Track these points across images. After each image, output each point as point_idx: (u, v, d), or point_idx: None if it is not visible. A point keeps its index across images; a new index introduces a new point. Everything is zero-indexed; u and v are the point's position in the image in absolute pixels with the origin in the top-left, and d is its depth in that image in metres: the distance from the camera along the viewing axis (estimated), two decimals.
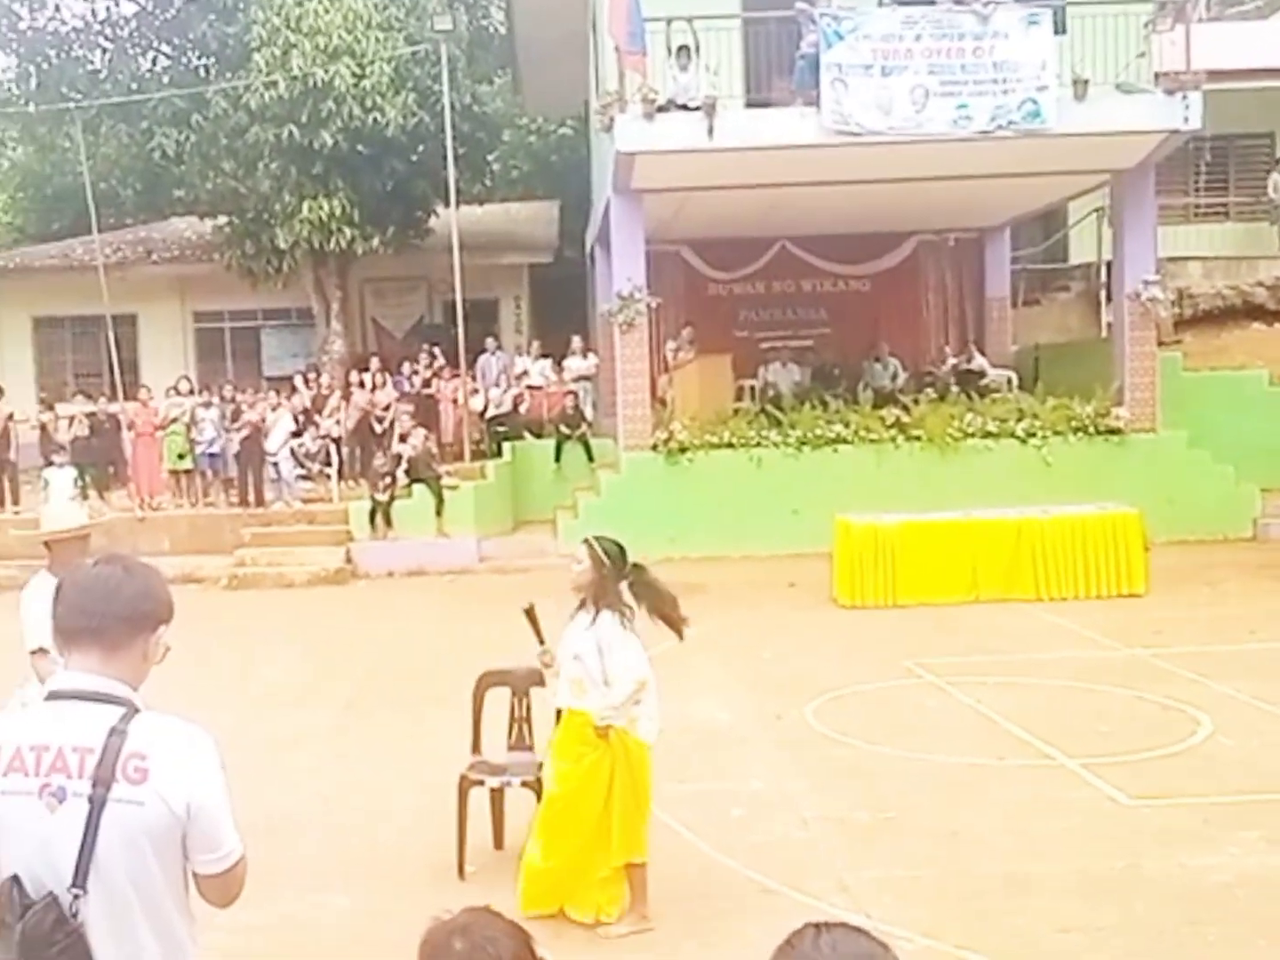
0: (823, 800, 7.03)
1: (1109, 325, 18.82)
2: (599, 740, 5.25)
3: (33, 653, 5.37)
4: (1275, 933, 5.24)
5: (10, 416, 17.96)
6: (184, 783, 2.43)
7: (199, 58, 21.61)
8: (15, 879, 2.40)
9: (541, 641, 5.67)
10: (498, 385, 19.34)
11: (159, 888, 2.46)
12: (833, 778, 7.41)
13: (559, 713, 5.52)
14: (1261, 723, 8.29)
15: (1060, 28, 15.38)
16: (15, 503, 17.59)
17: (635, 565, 5.34)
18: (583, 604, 5.38)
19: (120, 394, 18.90)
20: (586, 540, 5.34)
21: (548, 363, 19.81)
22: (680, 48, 15.25)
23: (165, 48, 21.82)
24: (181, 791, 2.43)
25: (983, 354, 19.70)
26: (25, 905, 2.38)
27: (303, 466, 17.77)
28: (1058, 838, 6.34)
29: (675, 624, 5.34)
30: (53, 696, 2.52)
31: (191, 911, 2.56)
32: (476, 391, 19.19)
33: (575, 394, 18.73)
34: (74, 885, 2.40)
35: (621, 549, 5.32)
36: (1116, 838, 6.31)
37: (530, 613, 5.70)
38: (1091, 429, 16.34)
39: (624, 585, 5.32)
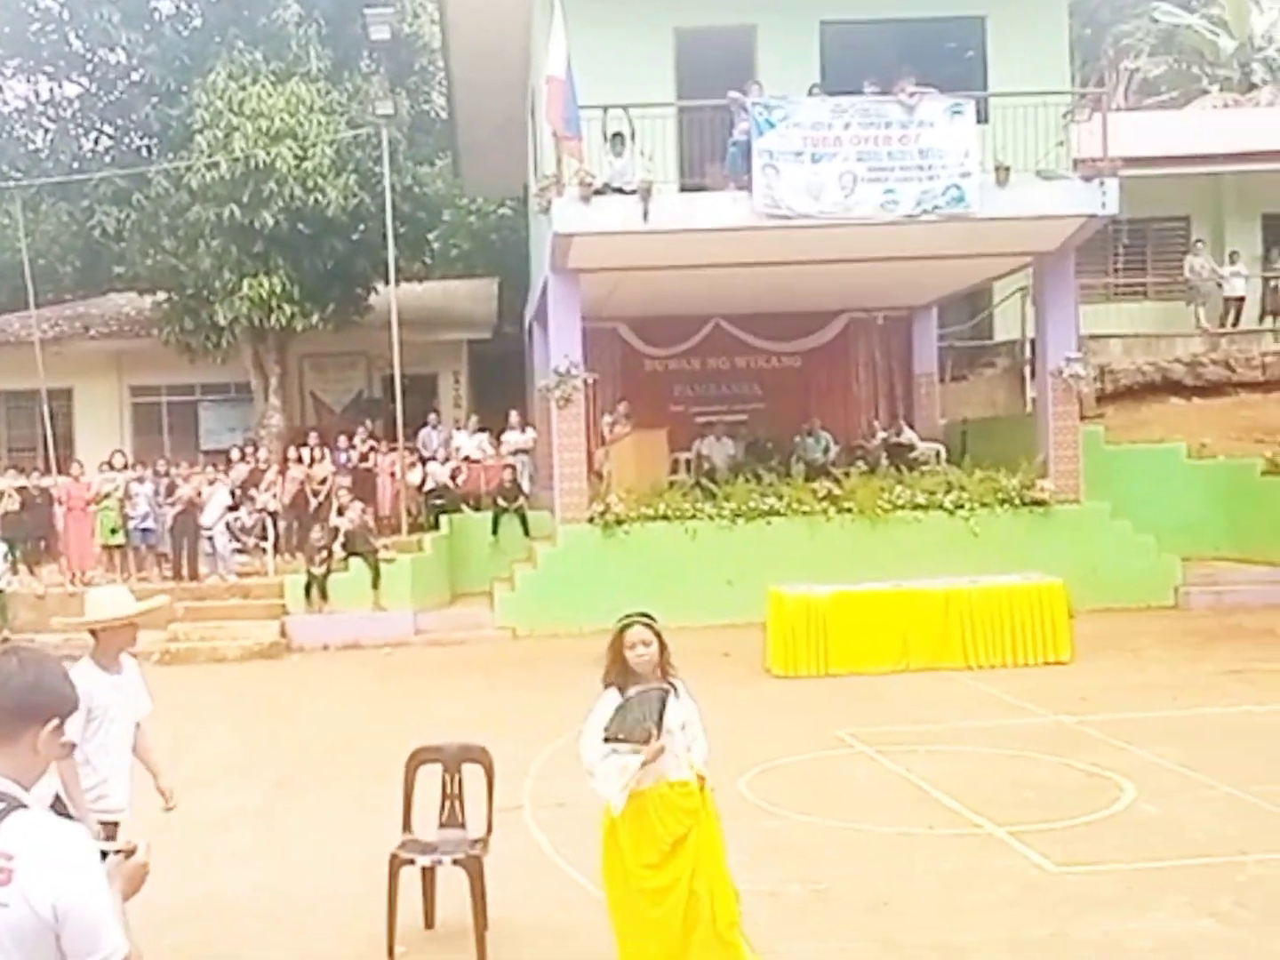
0: (755, 873, 6.88)
1: (1033, 400, 19.29)
2: (701, 798, 5.13)
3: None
4: None
5: None
6: (50, 885, 2.36)
7: (141, 138, 21.73)
8: None
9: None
10: (436, 459, 19.45)
11: None
12: (765, 850, 7.34)
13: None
14: (1184, 789, 8.37)
15: (983, 117, 15.92)
16: None
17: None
18: (619, 681, 5.14)
19: (54, 468, 18.80)
20: (644, 622, 5.13)
21: (484, 436, 19.98)
22: (615, 134, 15.60)
23: (108, 128, 21.94)
24: (47, 894, 2.35)
25: (912, 428, 20.09)
26: None
27: (238, 540, 17.72)
28: (986, 906, 6.38)
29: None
30: None
31: None
32: (414, 465, 19.29)
33: (513, 468, 18.87)
34: None
35: (655, 619, 5.25)
36: (1043, 905, 6.36)
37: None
38: (1017, 500, 16.64)
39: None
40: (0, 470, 18.62)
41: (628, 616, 5.21)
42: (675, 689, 5.13)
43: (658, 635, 5.14)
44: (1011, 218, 15.54)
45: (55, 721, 2.54)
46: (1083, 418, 17.82)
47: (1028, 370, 20.58)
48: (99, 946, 2.39)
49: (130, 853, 2.60)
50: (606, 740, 5.00)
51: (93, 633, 5.42)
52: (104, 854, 2.56)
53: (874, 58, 16.38)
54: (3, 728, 2.48)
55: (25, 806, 2.45)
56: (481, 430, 20.20)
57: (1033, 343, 19.03)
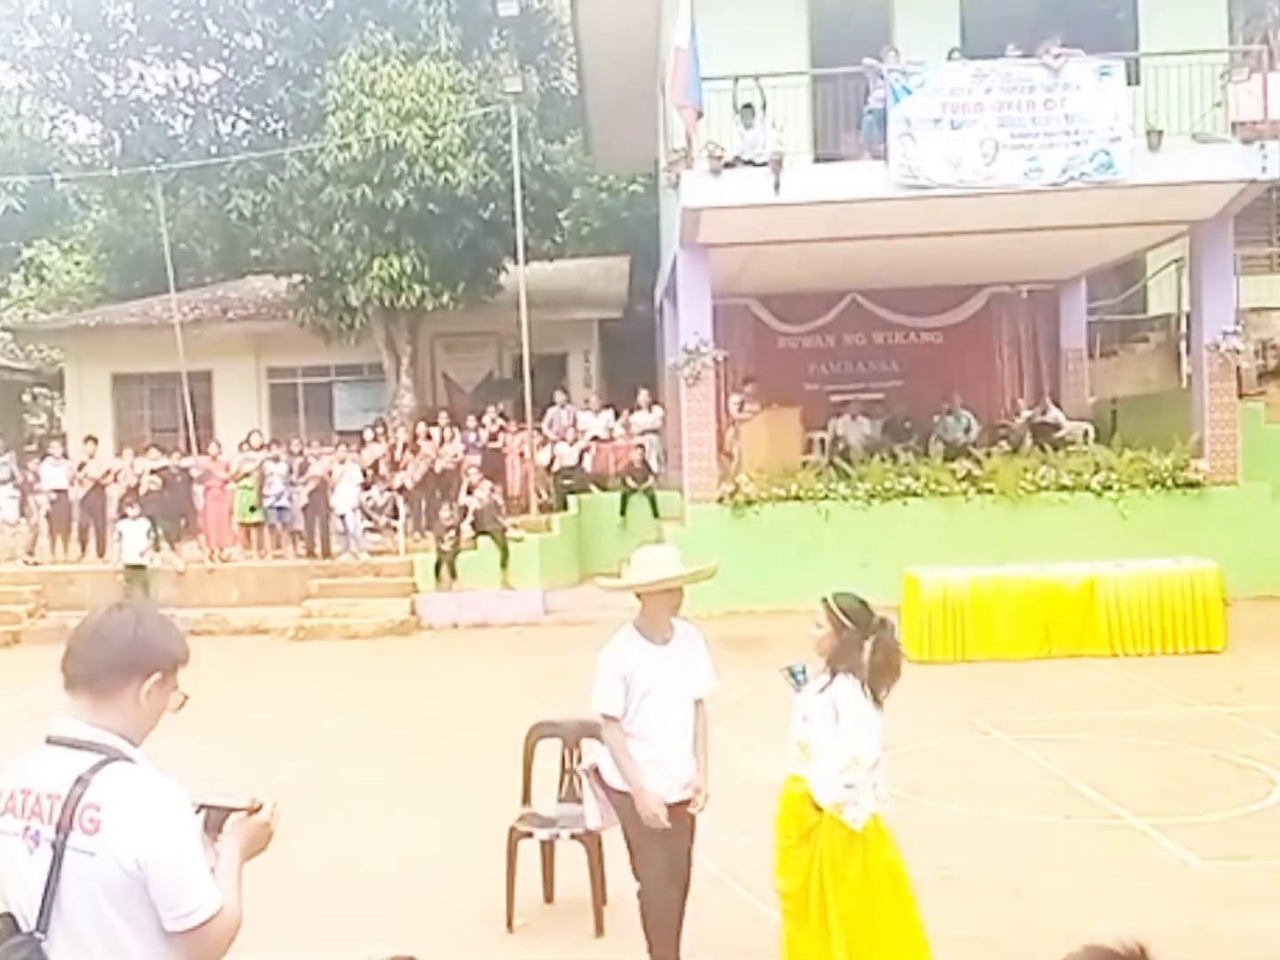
0: None
1: (1189, 377, 18.46)
2: (815, 815, 4.78)
3: (604, 718, 5.02)
4: None
5: (92, 470, 18.31)
6: (134, 837, 2.41)
7: (276, 121, 22.11)
8: (9, 916, 2.49)
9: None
10: (564, 439, 19.39)
11: (125, 938, 2.44)
12: (894, 834, 7.21)
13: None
14: None
15: (1134, 78, 15.29)
16: (100, 555, 17.89)
17: (881, 621, 4.80)
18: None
19: (195, 448, 19.22)
20: (825, 600, 4.81)
21: (609, 415, 19.88)
22: (745, 106, 15.30)
23: (244, 113, 22.40)
24: (130, 846, 2.41)
25: (1058, 406, 19.49)
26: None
27: (370, 519, 17.89)
28: (1123, 898, 6.15)
29: (877, 693, 4.73)
30: (48, 741, 2.56)
31: None
32: (543, 445, 19.26)
33: (642, 447, 18.73)
34: (38, 928, 2.44)
35: (865, 605, 4.81)
36: (1184, 899, 6.14)
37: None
38: (1170, 482, 16.01)
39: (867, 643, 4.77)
40: (142, 450, 19.06)
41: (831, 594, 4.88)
42: (831, 680, 4.80)
43: (833, 620, 4.76)
44: (1164, 184, 14.87)
45: (157, 675, 2.57)
46: (1241, 395, 17.10)
47: (1183, 345, 19.72)
48: (183, 901, 2.42)
49: (254, 811, 2.63)
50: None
51: (639, 597, 5.07)
52: (208, 808, 2.60)
53: (1017, 19, 15.85)
54: (107, 682, 2.53)
55: (127, 759, 2.50)
56: (606, 408, 20.09)
57: (1188, 316, 18.22)
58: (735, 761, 7.80)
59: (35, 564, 17.86)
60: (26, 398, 32.17)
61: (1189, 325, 18.20)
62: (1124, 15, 17.00)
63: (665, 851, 5.06)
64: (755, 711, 10.28)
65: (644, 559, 5.09)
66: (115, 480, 18.35)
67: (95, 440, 19.21)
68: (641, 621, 5.04)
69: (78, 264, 32.78)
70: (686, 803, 5.09)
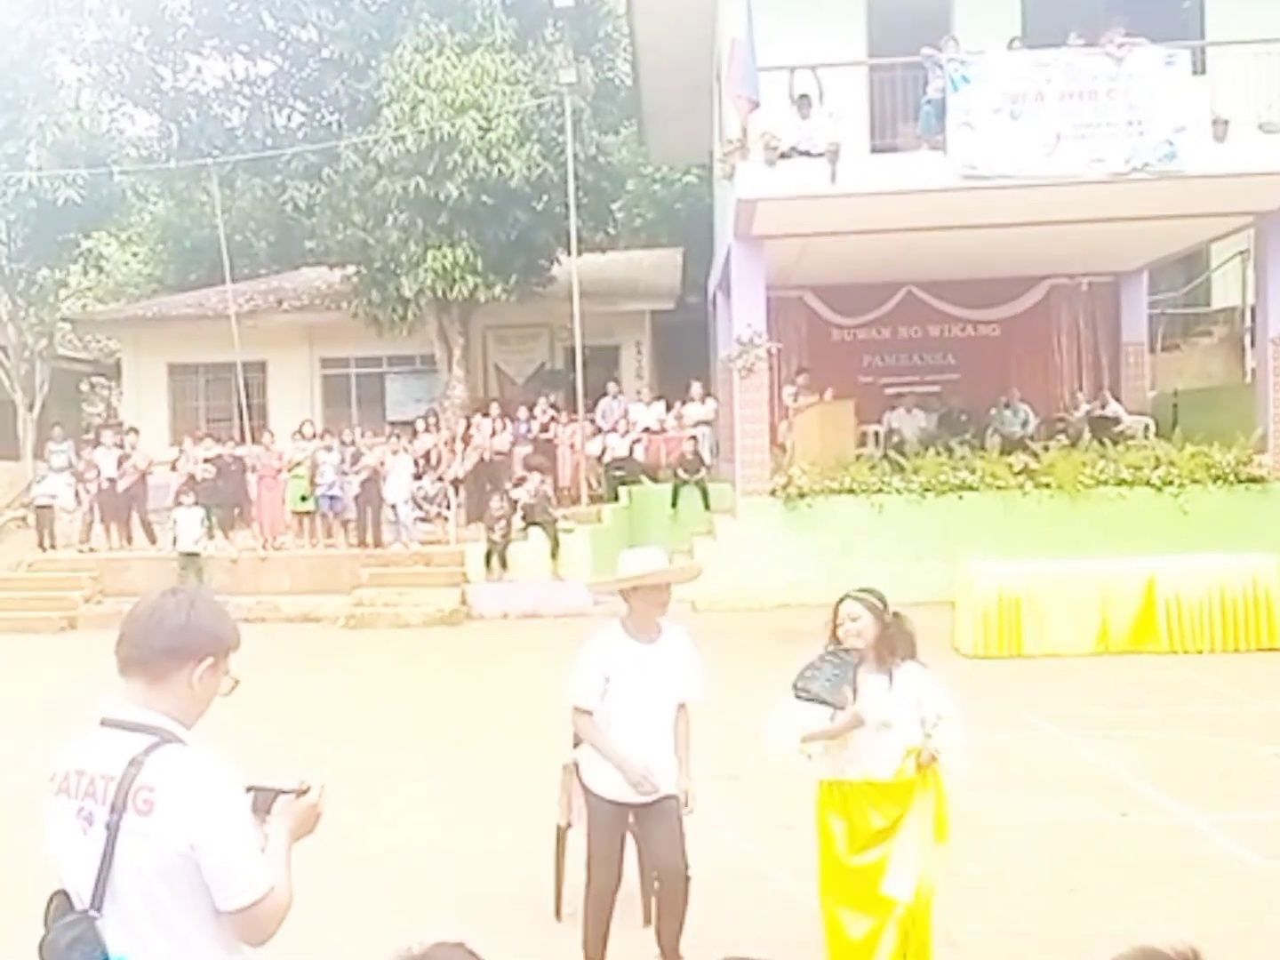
0: None
1: (1253, 371, 18.15)
2: (909, 798, 4.77)
3: (576, 710, 5.06)
4: None
5: (137, 460, 18.50)
6: (186, 819, 2.45)
7: (331, 114, 22.22)
8: (64, 894, 2.55)
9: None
10: (616, 430, 19.31)
11: (177, 918, 2.49)
12: None
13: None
14: None
15: (1199, 68, 14.95)
16: (152, 542, 18.09)
17: (895, 614, 4.87)
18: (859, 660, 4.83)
19: (249, 438, 19.36)
20: (854, 597, 4.82)
21: (660, 406, 19.79)
22: (801, 96, 15.13)
23: (299, 105, 22.52)
24: (183, 827, 2.44)
25: (1118, 400, 19.21)
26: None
27: (421, 509, 17.91)
28: (1179, 897, 6.04)
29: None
30: (101, 723, 2.59)
31: (234, 944, 2.55)
32: (597, 433, 19.20)
33: (694, 439, 18.62)
34: (91, 907, 2.49)
35: (883, 597, 4.89)
36: (1243, 899, 6.01)
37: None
38: (1232, 477, 15.74)
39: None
40: (198, 439, 19.21)
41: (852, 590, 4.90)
42: (891, 675, 4.78)
43: (873, 611, 4.78)
44: (1230, 175, 14.55)
45: (209, 660, 2.60)
46: None
47: (1248, 339, 19.37)
48: (234, 881, 2.46)
49: (303, 793, 2.66)
50: (797, 696, 4.73)
51: (624, 597, 5.09)
52: (257, 790, 2.63)
53: (1080, 8, 15.57)
54: (159, 666, 2.56)
55: (180, 742, 2.53)
56: (658, 399, 20.00)
57: (1253, 310, 17.90)
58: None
59: (91, 550, 18.12)
60: (84, 387, 32.51)
61: (1254, 319, 17.88)
62: (1190, 3, 16.67)
63: (619, 858, 5.18)
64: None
65: (627, 560, 5.14)
66: (173, 469, 18.55)
67: (136, 431, 19.41)
68: (628, 619, 5.06)
69: (135, 255, 33.10)
70: (662, 801, 5.09)
